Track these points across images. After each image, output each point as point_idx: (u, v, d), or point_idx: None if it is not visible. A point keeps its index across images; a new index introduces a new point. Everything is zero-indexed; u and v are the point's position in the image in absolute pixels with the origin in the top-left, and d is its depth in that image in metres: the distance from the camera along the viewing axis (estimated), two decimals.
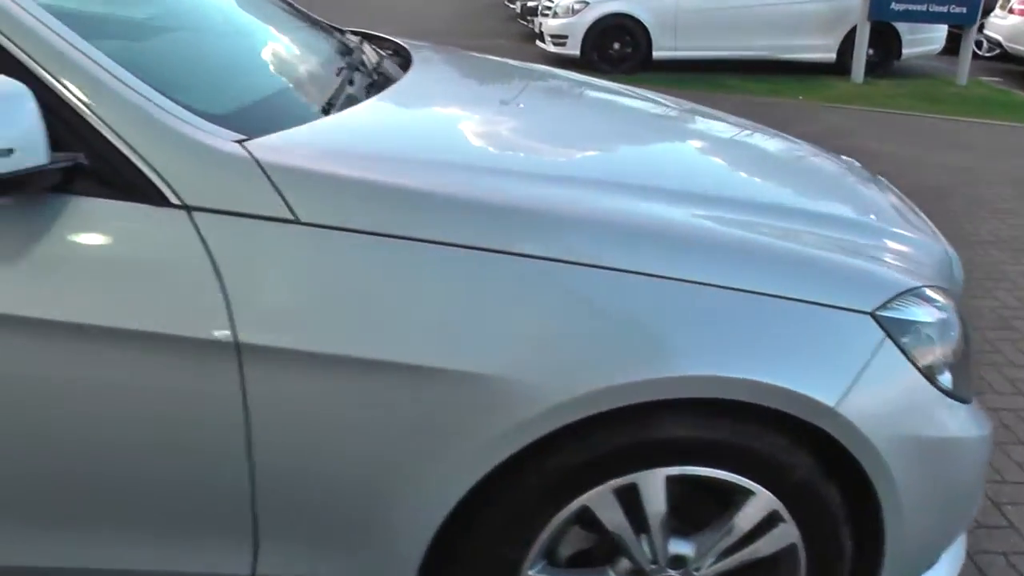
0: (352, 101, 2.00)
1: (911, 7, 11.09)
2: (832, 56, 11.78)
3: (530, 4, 13.99)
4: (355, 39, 2.77)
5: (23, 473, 1.57)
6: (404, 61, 2.57)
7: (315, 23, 2.66)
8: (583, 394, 1.55)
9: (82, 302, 1.49)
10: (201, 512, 1.61)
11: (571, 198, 1.70)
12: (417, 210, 1.57)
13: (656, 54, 11.57)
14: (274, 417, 1.53)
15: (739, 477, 1.70)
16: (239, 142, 1.58)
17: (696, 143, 2.51)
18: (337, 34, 2.70)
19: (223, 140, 1.58)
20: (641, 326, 1.58)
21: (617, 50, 11.62)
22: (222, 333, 1.49)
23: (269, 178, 1.53)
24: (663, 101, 2.90)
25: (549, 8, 12.04)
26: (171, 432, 1.54)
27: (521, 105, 2.47)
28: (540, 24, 12.30)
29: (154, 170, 1.51)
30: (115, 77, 1.55)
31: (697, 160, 2.32)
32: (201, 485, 1.59)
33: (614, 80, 3.21)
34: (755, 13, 11.49)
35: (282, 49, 2.29)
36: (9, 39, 1.50)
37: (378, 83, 2.24)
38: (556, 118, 2.42)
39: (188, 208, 1.51)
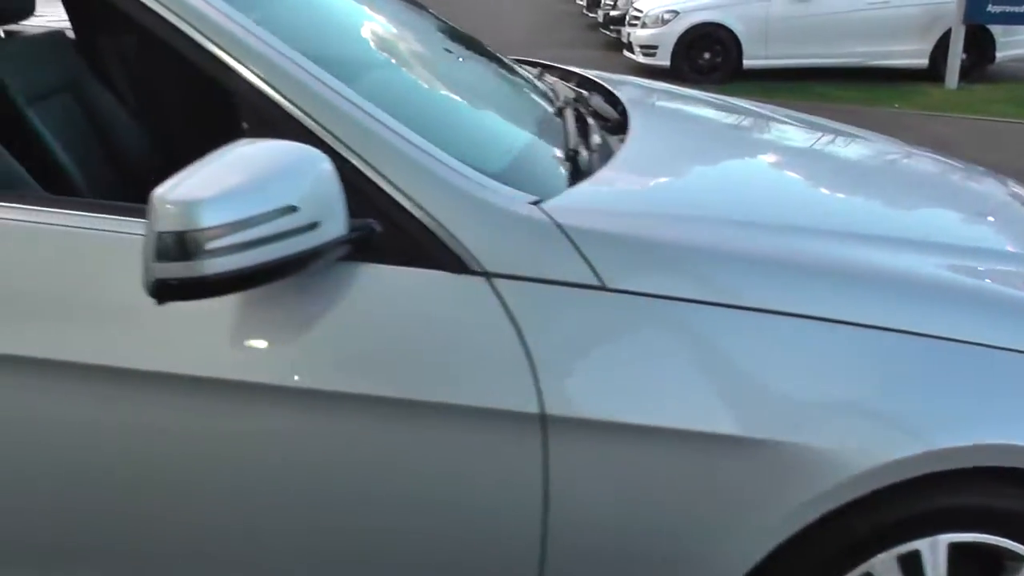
0: (606, 151, 1.96)
1: (1008, 8, 10.83)
2: (924, 62, 11.58)
3: (613, 14, 13.95)
4: (533, 70, 2.73)
5: (324, 537, 1.58)
6: (609, 97, 2.52)
7: (496, 56, 2.60)
8: (885, 463, 1.51)
9: (378, 374, 1.47)
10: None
11: (858, 256, 1.67)
12: (728, 275, 1.54)
13: (747, 63, 11.47)
14: (573, 486, 1.51)
15: (1017, 544, 1.67)
16: (534, 204, 1.55)
17: (908, 181, 2.45)
18: (519, 67, 2.66)
19: (520, 203, 1.55)
20: (937, 393, 1.55)
21: (707, 60, 11.55)
22: (529, 404, 1.46)
23: (573, 242, 1.50)
24: (852, 132, 2.84)
25: (637, 18, 11.98)
26: (465, 500, 1.53)
27: (770, 151, 2.45)
28: (628, 34, 12.25)
29: (452, 236, 1.47)
30: (404, 139, 1.52)
31: (923, 202, 2.27)
32: (492, 550, 1.57)
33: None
34: (846, 20, 11.34)
35: (505, 92, 2.26)
36: (297, 106, 1.49)
37: (610, 127, 2.19)
38: (789, 163, 2.37)
39: (488, 275, 1.47)
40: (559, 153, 1.91)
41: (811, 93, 10.59)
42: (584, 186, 1.70)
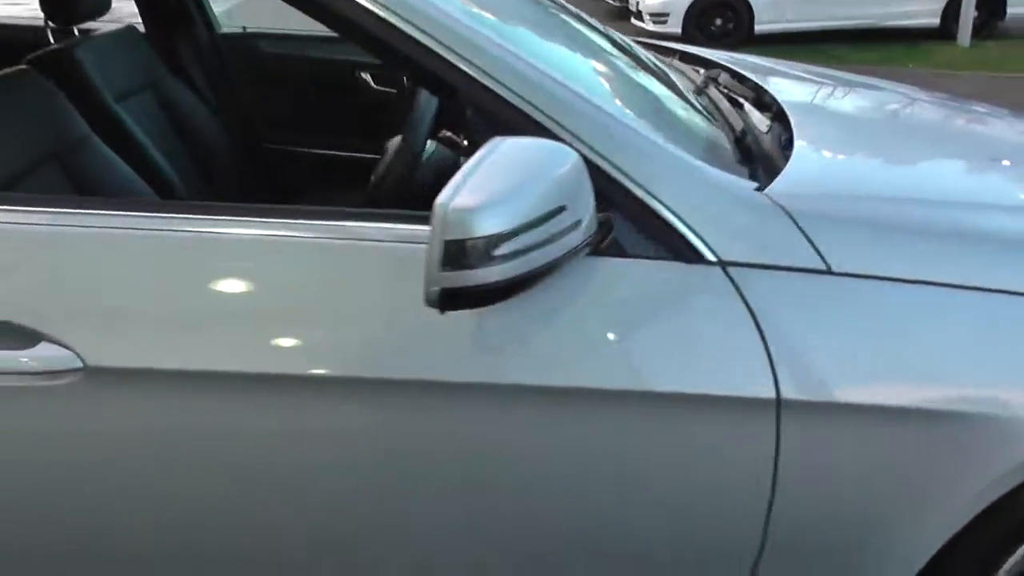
0: (777, 134, 1.92)
1: None
2: (936, 21, 11.56)
3: None
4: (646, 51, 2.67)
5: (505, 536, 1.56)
6: (734, 75, 2.48)
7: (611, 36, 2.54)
8: None
9: (614, 368, 1.45)
10: (704, 566, 1.59)
11: None
12: (942, 255, 1.52)
13: (758, 28, 11.45)
14: (800, 468, 1.50)
15: None
16: (757, 190, 1.53)
17: None
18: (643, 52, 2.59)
19: (747, 190, 1.53)
20: None
21: (719, 26, 11.52)
22: (766, 390, 1.44)
23: (800, 227, 1.48)
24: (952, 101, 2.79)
25: None
26: (689, 493, 1.52)
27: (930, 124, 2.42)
28: (638, 3, 12.19)
29: (687, 225, 1.45)
30: (634, 130, 1.50)
31: None
32: (714, 537, 1.56)
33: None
34: None
35: (655, 77, 2.18)
36: (529, 102, 1.46)
37: (765, 107, 2.14)
38: (941, 135, 2.33)
39: (723, 263, 1.45)
40: (734, 137, 1.87)
41: (825, 56, 10.54)
42: (793, 170, 1.67)
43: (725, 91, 2.26)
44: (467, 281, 1.27)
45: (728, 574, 1.60)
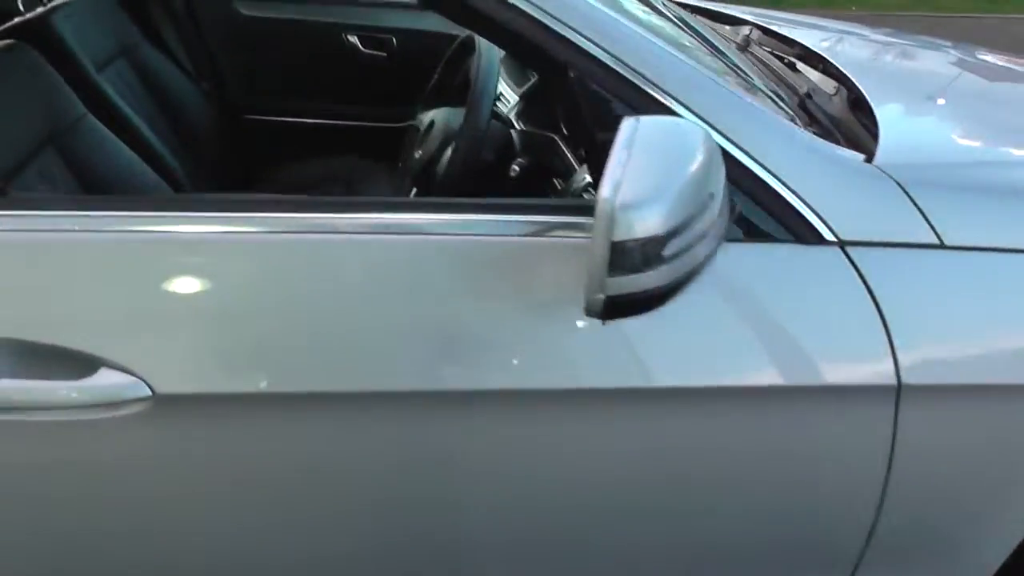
0: (844, 98, 1.83)
1: None
2: None
3: None
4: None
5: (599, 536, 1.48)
6: (784, 39, 2.35)
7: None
8: None
9: (747, 363, 1.34)
10: (813, 552, 1.53)
11: None
12: None
13: None
14: (915, 458, 1.43)
15: None
16: (867, 162, 1.44)
17: None
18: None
19: (858, 163, 1.43)
20: None
21: None
22: (888, 376, 1.35)
23: (913, 200, 1.39)
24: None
25: None
26: (799, 486, 1.44)
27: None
28: None
29: (806, 204, 1.35)
30: (748, 103, 1.41)
31: None
32: (814, 542, 1.50)
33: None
34: None
35: (716, 43, 2.06)
36: (649, 80, 1.34)
37: (833, 74, 2.03)
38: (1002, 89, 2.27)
39: (842, 243, 1.35)
40: (797, 101, 1.77)
41: (762, 1, 10.45)
42: (889, 138, 1.57)
43: (768, 51, 2.15)
44: (637, 286, 1.13)
45: (837, 555, 1.53)
